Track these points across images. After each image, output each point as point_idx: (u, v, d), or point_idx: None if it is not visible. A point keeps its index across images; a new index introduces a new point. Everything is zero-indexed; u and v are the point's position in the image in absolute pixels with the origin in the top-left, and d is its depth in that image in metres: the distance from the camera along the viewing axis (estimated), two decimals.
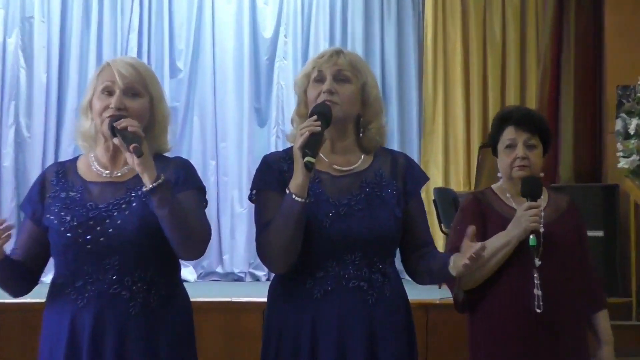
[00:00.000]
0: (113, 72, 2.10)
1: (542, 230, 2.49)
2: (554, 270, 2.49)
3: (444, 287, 3.71)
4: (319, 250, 2.10)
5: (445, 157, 6.92)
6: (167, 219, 1.99)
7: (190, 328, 2.21)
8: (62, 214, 2.07)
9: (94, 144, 2.17)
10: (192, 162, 2.30)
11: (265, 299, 2.26)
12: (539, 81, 6.38)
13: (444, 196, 5.87)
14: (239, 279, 6.72)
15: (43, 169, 2.30)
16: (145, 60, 6.60)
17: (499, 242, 2.49)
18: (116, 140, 2.01)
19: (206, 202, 2.22)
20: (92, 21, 6.85)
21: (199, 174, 2.25)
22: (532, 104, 6.44)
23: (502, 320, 2.50)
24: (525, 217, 2.46)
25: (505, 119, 2.66)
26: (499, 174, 2.69)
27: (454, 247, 2.57)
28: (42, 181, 2.17)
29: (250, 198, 2.22)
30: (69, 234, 2.04)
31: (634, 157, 5.12)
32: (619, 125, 5.36)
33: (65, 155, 6.16)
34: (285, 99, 6.94)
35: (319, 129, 2.01)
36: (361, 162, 2.23)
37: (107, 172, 2.15)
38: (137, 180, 2.03)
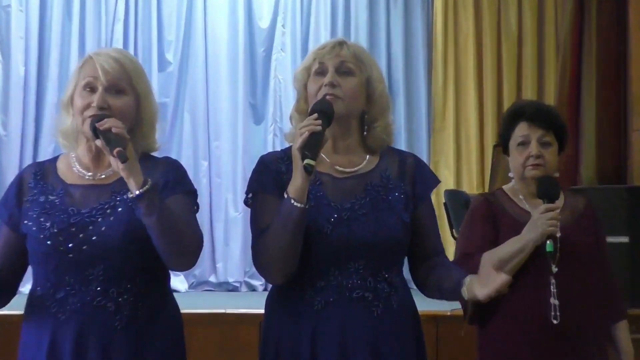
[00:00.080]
0: (96, 67, 2.09)
1: (559, 234, 2.48)
2: (571, 278, 2.50)
3: None
4: (319, 258, 2.09)
5: (456, 157, 6.93)
6: (155, 227, 1.98)
7: (180, 342, 2.20)
8: (41, 219, 2.06)
9: (75, 142, 2.16)
10: (183, 162, 2.30)
11: (262, 311, 2.26)
12: (558, 75, 6.38)
13: (456, 199, 5.86)
14: (234, 289, 6.73)
15: (20, 170, 2.30)
16: (131, 52, 6.57)
17: (513, 248, 2.49)
18: (99, 142, 2.00)
19: (197, 206, 2.21)
20: (74, 10, 6.85)
21: (190, 175, 2.24)
22: (550, 99, 6.45)
23: (515, 332, 2.50)
24: (542, 221, 2.46)
25: (517, 114, 2.66)
26: (511, 174, 2.69)
27: (463, 254, 2.57)
28: (19, 183, 2.16)
29: (245, 202, 2.22)
30: (49, 242, 2.04)
31: None
32: None
33: (44, 155, 6.15)
34: (284, 94, 6.95)
35: (319, 128, 2.00)
36: (366, 162, 2.22)
37: (90, 174, 2.14)
38: (122, 182, 2.01)
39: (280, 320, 2.17)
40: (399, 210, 2.17)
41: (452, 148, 6.93)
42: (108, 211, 2.07)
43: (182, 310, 2.25)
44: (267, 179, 2.18)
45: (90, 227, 2.04)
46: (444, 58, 7.01)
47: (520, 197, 2.64)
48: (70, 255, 2.02)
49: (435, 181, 2.29)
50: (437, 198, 5.73)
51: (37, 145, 6.71)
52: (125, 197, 2.03)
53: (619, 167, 6.07)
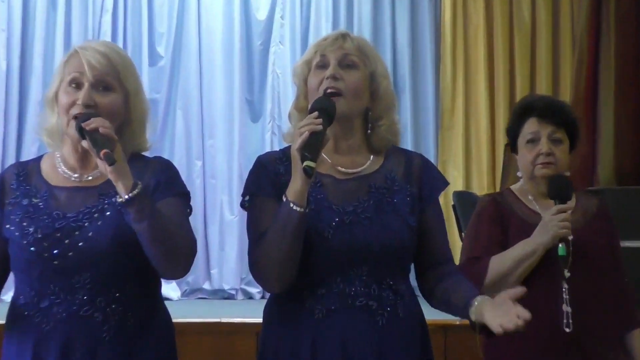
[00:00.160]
0: (82, 62, 2.09)
1: (571, 237, 2.48)
2: (583, 284, 2.50)
3: None
4: (320, 264, 2.09)
5: (465, 157, 6.93)
6: (145, 233, 1.97)
7: (172, 354, 2.21)
8: (24, 224, 2.06)
9: (60, 141, 2.16)
10: (175, 162, 2.30)
11: (259, 320, 2.26)
12: (574, 70, 6.37)
13: (465, 201, 5.84)
14: (230, 297, 6.73)
15: (2, 170, 2.29)
16: (120, 45, 6.58)
17: (523, 252, 2.49)
18: (85, 144, 1.99)
19: (191, 209, 2.22)
20: (59, 0, 6.84)
21: (183, 176, 2.25)
22: (566, 95, 6.44)
23: (525, 341, 2.49)
24: (554, 223, 2.46)
25: (526, 109, 2.66)
26: (519, 173, 2.69)
27: (469, 258, 2.57)
28: (0, 185, 2.16)
29: (242, 205, 2.22)
30: (32, 248, 2.03)
31: None
32: None
33: (28, 154, 6.15)
34: (282, 89, 6.95)
35: (320, 127, 1.99)
36: (370, 163, 2.22)
37: (76, 175, 2.14)
38: (111, 184, 2.01)
39: (278, 330, 2.17)
40: (404, 213, 2.16)
41: (461, 147, 6.92)
42: (95, 215, 2.06)
43: (174, 320, 2.26)
44: (264, 180, 2.18)
45: (77, 233, 2.04)
46: (452, 52, 7.00)
47: (530, 197, 2.65)
48: (55, 262, 2.02)
49: (444, 183, 2.29)
50: (445, 200, 5.72)
51: (20, 144, 6.70)
52: (114, 200, 2.03)
53: (639, 166, 6.07)
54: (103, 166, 1.94)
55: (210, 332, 4.58)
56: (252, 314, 4.42)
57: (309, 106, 2.12)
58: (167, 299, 4.72)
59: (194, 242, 2.11)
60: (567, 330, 2.44)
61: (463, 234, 5.71)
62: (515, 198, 2.66)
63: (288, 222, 2.00)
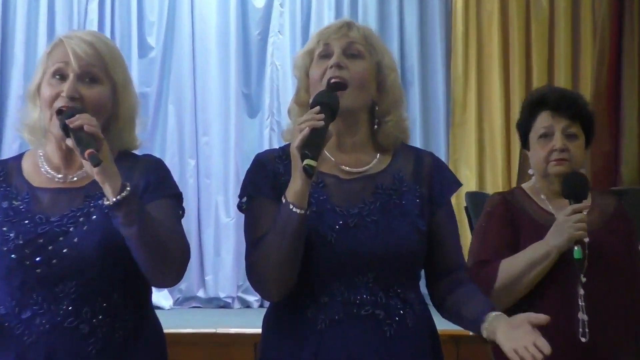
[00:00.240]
0: (66, 52, 2.09)
1: (587, 239, 2.48)
2: (600, 289, 2.50)
3: None
4: (322, 270, 2.09)
5: (479, 155, 6.93)
6: (135, 239, 1.97)
7: None
8: (5, 229, 2.06)
9: (43, 138, 2.16)
10: (166, 161, 2.31)
11: (257, 330, 2.27)
12: (595, 62, 6.38)
13: (478, 202, 5.83)
14: (226, 306, 6.74)
15: None
16: (108, 35, 6.58)
17: (535, 255, 2.49)
18: (69, 142, 1.98)
19: (183, 211, 2.22)
20: None
21: (175, 176, 2.25)
22: (586, 89, 6.44)
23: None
24: (569, 224, 2.46)
25: (538, 102, 2.66)
26: (531, 171, 2.69)
27: (478, 261, 2.57)
28: None
29: (239, 206, 2.22)
30: (13, 255, 2.03)
31: None
32: None
33: (8, 152, 6.16)
34: (281, 82, 6.96)
35: (322, 123, 1.99)
36: (376, 162, 2.22)
37: (60, 175, 2.14)
38: (97, 185, 2.00)
39: (278, 342, 2.17)
40: (413, 216, 2.16)
41: (474, 144, 6.93)
42: (81, 219, 2.06)
43: (166, 330, 2.26)
44: (263, 180, 2.18)
45: (61, 238, 2.04)
46: (464, 41, 7.00)
47: (542, 196, 2.65)
48: (38, 270, 2.02)
49: (456, 184, 2.29)
50: (457, 201, 5.69)
51: None
52: (100, 202, 2.02)
53: None
54: (89, 167, 1.94)
55: (204, 344, 4.59)
56: (249, 323, 4.43)
57: (310, 100, 2.11)
58: (158, 308, 4.72)
59: (187, 247, 2.11)
60: (583, 340, 2.44)
61: None
62: (527, 197, 2.66)
63: (287, 224, 2.00)
